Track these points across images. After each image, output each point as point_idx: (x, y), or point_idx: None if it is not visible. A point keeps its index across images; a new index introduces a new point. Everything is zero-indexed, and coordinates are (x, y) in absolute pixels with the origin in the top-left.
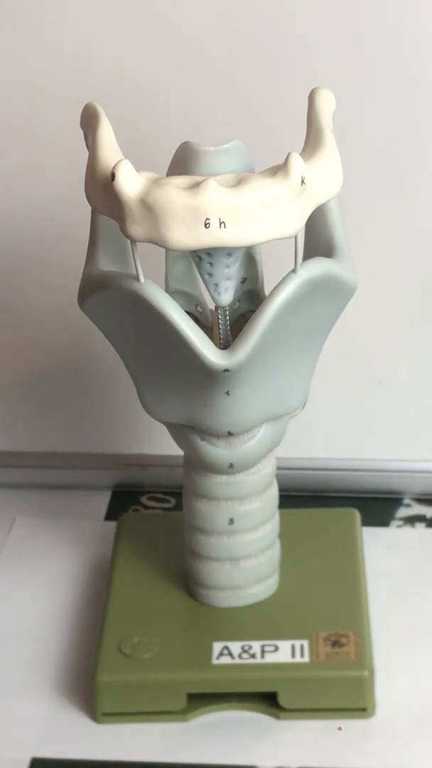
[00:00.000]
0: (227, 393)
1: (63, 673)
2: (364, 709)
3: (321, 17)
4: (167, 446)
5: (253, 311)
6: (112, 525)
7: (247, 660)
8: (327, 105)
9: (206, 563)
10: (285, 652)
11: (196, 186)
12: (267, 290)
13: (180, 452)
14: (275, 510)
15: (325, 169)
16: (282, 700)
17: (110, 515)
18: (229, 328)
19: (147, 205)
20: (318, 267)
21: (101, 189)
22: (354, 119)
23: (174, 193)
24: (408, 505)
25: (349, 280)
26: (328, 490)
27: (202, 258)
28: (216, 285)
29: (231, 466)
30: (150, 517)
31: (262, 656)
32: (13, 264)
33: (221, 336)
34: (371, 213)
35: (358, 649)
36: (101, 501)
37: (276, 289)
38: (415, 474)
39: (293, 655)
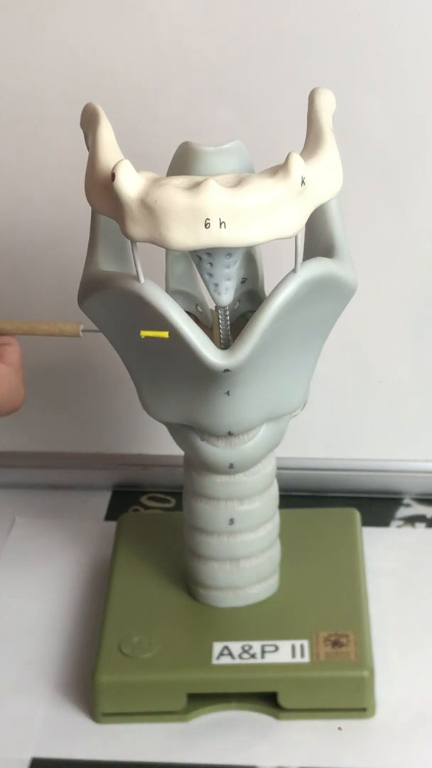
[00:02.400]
0: (227, 393)
1: (63, 673)
2: (364, 709)
3: (321, 17)
4: (167, 446)
5: (253, 311)
6: (112, 525)
7: (247, 660)
8: (327, 105)
9: (206, 563)
10: (285, 652)
11: (196, 186)
12: (267, 290)
13: (180, 452)
14: (275, 510)
15: (325, 169)
16: (282, 700)
17: (110, 515)
18: (229, 328)
19: (147, 205)
20: (318, 267)
21: (101, 189)
22: (354, 119)
23: (174, 193)
24: (408, 505)
25: (349, 280)
26: (328, 490)
27: (202, 258)
28: (216, 285)
29: (231, 466)
30: (150, 517)
31: (262, 656)
32: (13, 264)
33: (221, 336)
34: (371, 213)
35: (358, 649)
36: (101, 501)
37: (276, 289)
38: (415, 474)
39: (293, 655)
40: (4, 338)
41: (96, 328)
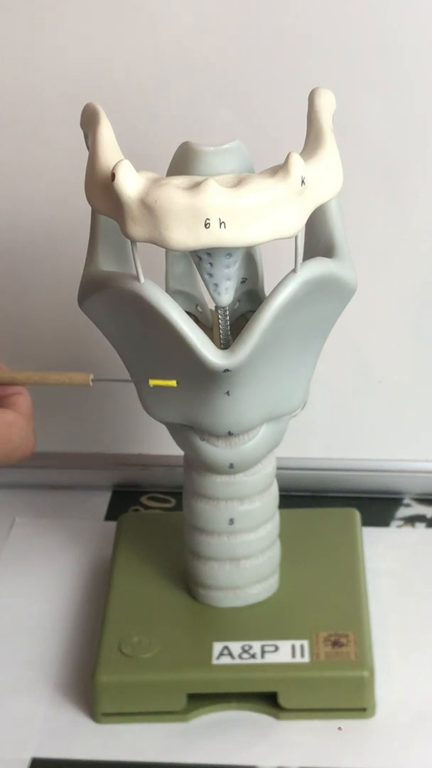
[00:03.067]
0: (227, 393)
1: (63, 673)
2: (364, 709)
3: (321, 17)
4: (167, 446)
5: (253, 311)
6: (112, 525)
7: (247, 660)
8: (327, 105)
9: (206, 563)
10: (285, 652)
11: (196, 186)
12: (267, 290)
13: (180, 452)
14: (275, 510)
15: (325, 169)
16: (282, 700)
17: (110, 515)
18: (229, 328)
19: (147, 205)
20: (318, 267)
21: (101, 189)
22: (354, 119)
23: (174, 193)
24: (408, 505)
25: (349, 280)
26: (328, 490)
27: (202, 258)
28: (216, 285)
29: (231, 466)
30: (150, 517)
31: (262, 656)
32: (13, 264)
33: (221, 336)
34: (371, 213)
35: (358, 649)
36: (101, 501)
37: (276, 289)
38: (415, 474)
39: (293, 655)
40: (16, 388)
41: (105, 378)
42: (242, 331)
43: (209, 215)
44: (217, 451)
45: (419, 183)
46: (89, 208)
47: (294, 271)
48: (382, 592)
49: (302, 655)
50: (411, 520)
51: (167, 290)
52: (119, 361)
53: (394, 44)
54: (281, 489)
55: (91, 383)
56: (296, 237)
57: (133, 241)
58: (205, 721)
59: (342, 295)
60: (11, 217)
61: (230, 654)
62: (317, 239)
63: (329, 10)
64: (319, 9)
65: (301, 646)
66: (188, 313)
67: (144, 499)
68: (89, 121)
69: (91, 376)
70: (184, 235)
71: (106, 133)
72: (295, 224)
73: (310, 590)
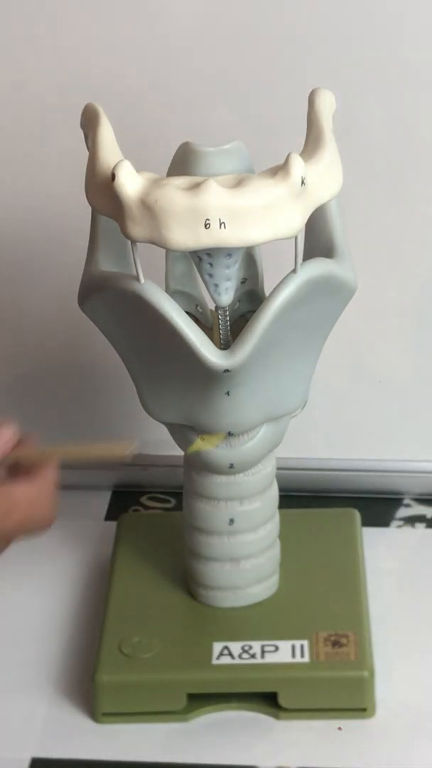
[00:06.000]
0: (227, 393)
1: (63, 673)
2: (364, 709)
3: (321, 17)
4: (167, 446)
5: (254, 312)
6: (112, 525)
7: (247, 660)
8: (327, 106)
9: (206, 563)
10: (285, 652)
11: (196, 186)
12: (267, 290)
13: (180, 452)
14: (275, 510)
15: (325, 170)
16: (282, 700)
17: (110, 515)
18: (229, 328)
19: (147, 206)
20: (318, 267)
21: (101, 189)
22: (354, 119)
23: (174, 193)
24: (408, 505)
25: (349, 281)
26: (328, 490)
27: (203, 258)
28: (216, 285)
29: (231, 466)
30: (150, 517)
31: (262, 656)
32: (13, 265)
33: (221, 336)
34: (371, 213)
35: (358, 649)
36: (101, 501)
37: (276, 289)
38: (415, 474)
39: (293, 655)
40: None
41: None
42: (242, 332)
43: (209, 216)
44: (217, 451)
45: (419, 183)
46: (89, 208)
47: (294, 271)
48: (382, 592)
49: (302, 655)
50: (411, 521)
51: (167, 290)
52: (119, 361)
53: (394, 44)
54: (281, 489)
55: (127, 455)
56: (296, 237)
57: (133, 242)
58: (205, 721)
59: (342, 295)
60: (11, 217)
61: (230, 654)
62: (317, 239)
63: (329, 9)
64: (319, 9)
65: (301, 646)
66: (188, 313)
67: (144, 499)
68: (89, 122)
69: (131, 448)
70: (184, 236)
71: (106, 133)
72: (295, 225)
73: (310, 590)
